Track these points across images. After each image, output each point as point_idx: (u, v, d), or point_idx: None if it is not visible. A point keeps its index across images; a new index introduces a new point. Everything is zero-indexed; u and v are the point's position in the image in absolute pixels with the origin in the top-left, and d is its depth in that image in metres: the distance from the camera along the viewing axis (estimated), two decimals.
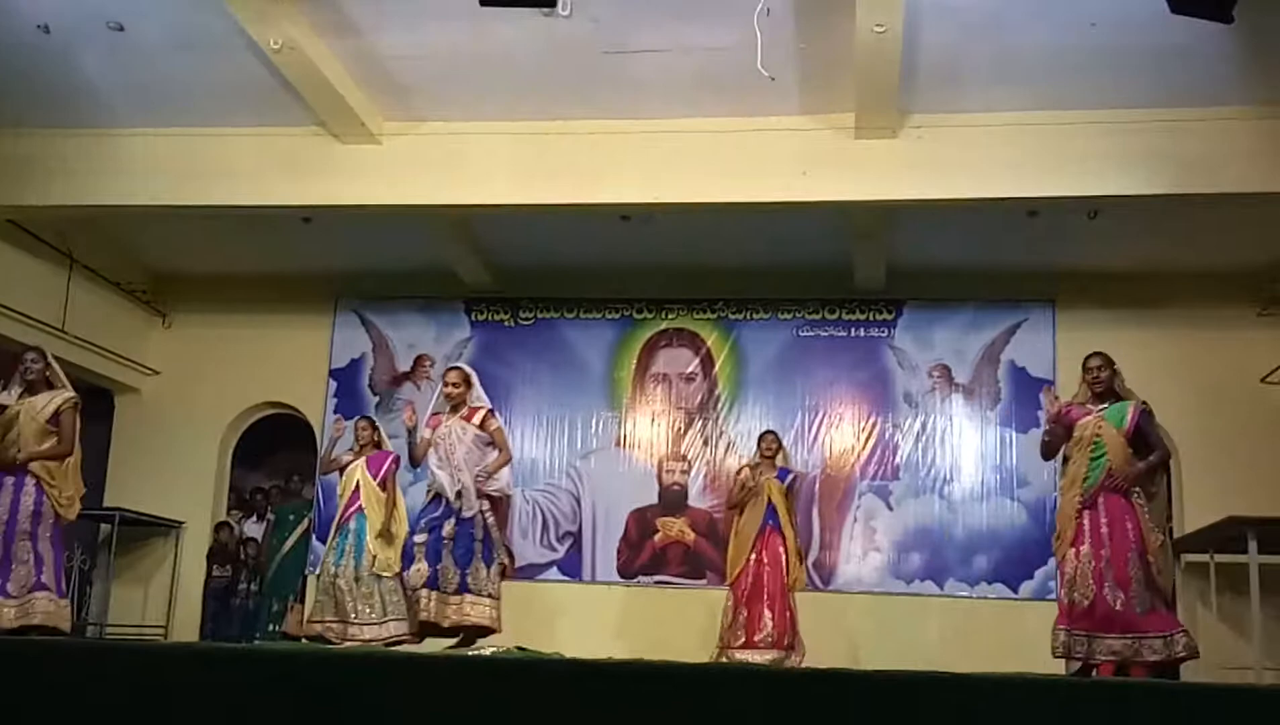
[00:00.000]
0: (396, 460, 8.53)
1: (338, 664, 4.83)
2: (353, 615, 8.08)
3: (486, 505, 7.20)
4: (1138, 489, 6.37)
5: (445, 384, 7.30)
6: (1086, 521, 6.33)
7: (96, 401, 11.67)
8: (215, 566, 11.25)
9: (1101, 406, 6.47)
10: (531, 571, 10.80)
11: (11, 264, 9.75)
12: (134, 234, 10.73)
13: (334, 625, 8.10)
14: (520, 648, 6.98)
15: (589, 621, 10.35)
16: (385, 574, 8.17)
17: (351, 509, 8.34)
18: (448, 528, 7.04)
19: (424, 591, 6.98)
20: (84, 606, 11.44)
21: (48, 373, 7.28)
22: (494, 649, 6.76)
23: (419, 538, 7.11)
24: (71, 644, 6.56)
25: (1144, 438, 6.44)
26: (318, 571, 8.43)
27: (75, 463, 7.24)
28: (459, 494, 7.06)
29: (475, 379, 7.44)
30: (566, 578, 10.85)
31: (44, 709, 4.50)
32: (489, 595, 7.10)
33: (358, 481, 8.39)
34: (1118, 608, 6.19)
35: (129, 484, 11.36)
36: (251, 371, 11.53)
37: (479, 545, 7.08)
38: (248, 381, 11.59)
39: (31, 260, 10.04)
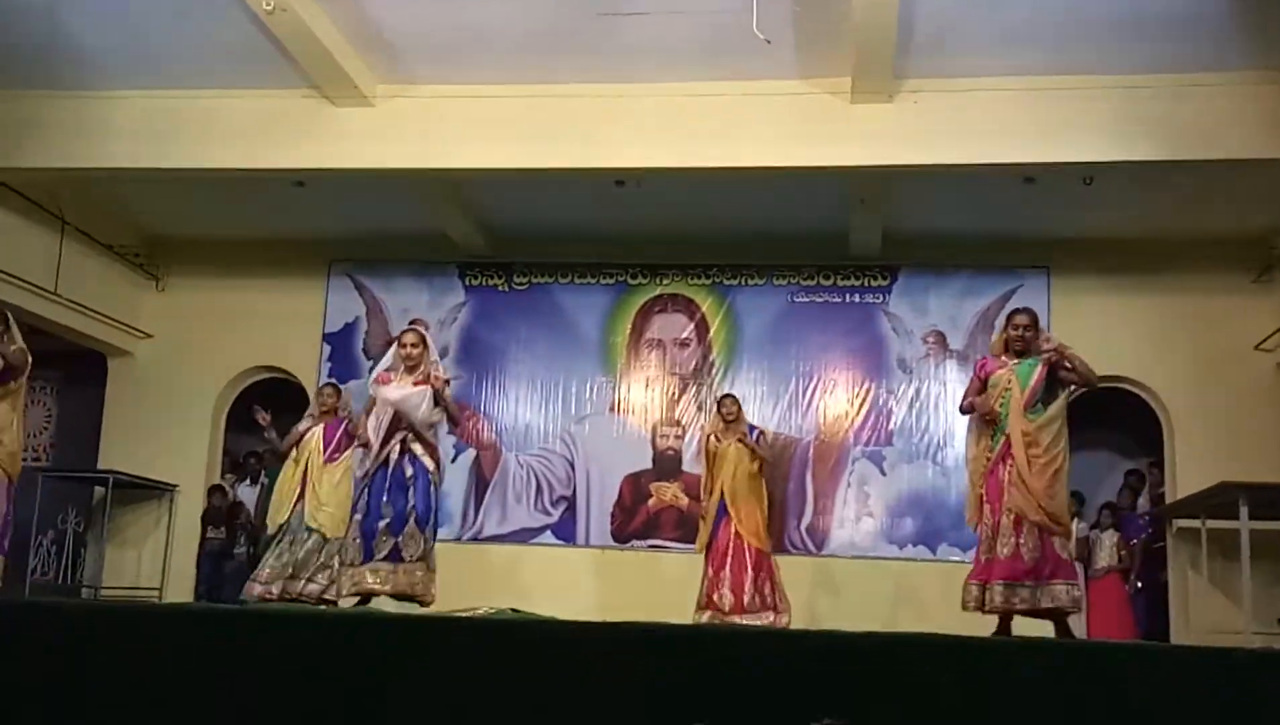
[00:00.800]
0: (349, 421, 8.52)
1: (331, 624, 4.85)
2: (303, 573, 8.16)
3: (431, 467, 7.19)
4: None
5: (403, 345, 7.17)
6: (1002, 475, 6.33)
7: (90, 364, 11.67)
8: (209, 529, 11.26)
9: (1014, 361, 6.47)
10: (525, 535, 10.84)
11: (3, 227, 9.70)
12: (127, 196, 10.67)
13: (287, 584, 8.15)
14: (515, 609, 6.99)
15: (583, 585, 10.39)
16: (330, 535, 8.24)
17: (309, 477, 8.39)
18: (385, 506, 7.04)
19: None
20: (78, 569, 11.46)
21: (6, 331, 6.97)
22: (488, 609, 6.78)
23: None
24: (67, 604, 6.58)
25: (1055, 376, 6.39)
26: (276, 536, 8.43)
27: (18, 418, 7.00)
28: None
29: (432, 344, 7.39)
30: (560, 542, 10.88)
31: (40, 669, 4.52)
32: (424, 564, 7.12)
33: (310, 450, 8.42)
34: (1026, 556, 6.23)
35: (123, 447, 11.37)
36: (245, 335, 11.51)
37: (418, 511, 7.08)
38: (241, 345, 11.57)
39: (23, 222, 9.99)
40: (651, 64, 8.31)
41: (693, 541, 10.53)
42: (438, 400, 7.12)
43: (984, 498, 6.42)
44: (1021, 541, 6.22)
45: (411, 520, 7.03)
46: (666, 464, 10.94)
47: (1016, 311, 6.64)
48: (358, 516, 7.14)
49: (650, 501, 10.89)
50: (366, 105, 8.76)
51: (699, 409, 10.96)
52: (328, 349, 11.47)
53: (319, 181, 9.54)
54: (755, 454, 8.74)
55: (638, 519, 10.88)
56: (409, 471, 7.09)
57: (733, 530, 8.57)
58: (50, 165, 9.11)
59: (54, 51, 8.43)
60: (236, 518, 11.35)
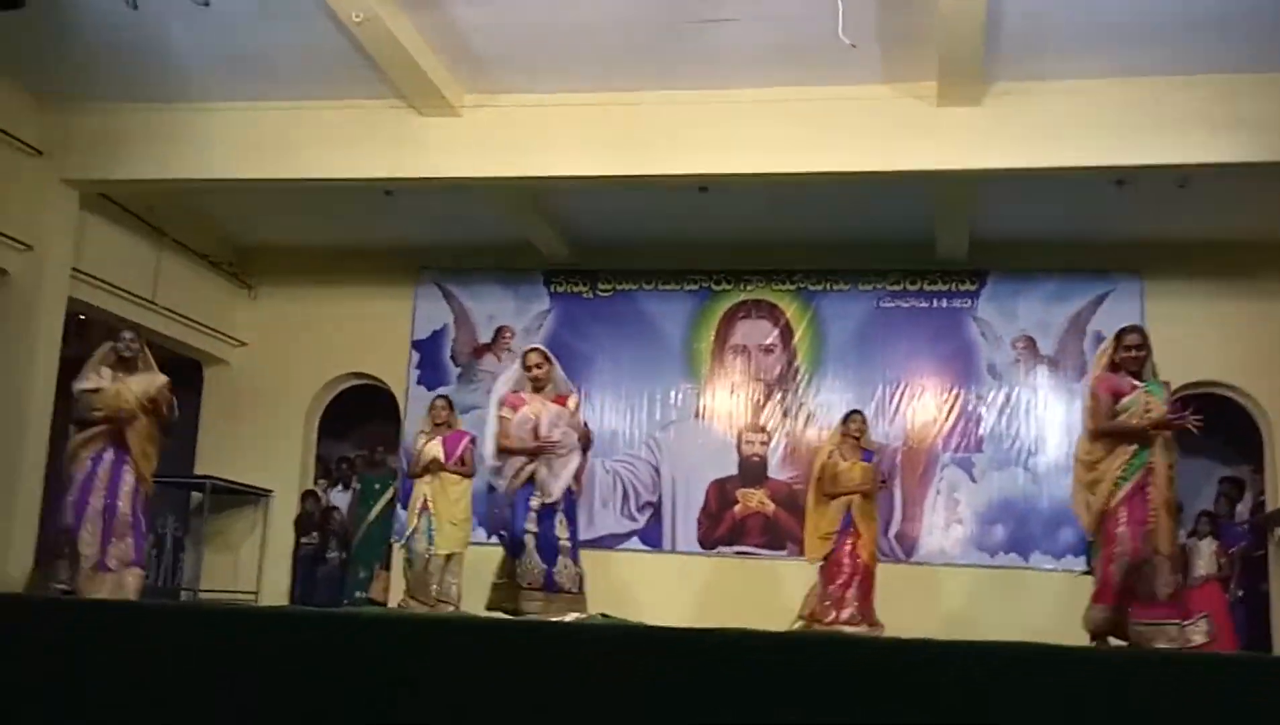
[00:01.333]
0: (473, 439, 8.46)
1: (418, 627, 4.90)
2: (435, 592, 8.25)
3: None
4: None
5: (529, 367, 7.05)
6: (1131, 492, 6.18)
7: (187, 372, 11.94)
8: (303, 534, 11.47)
9: (1141, 384, 6.29)
10: (612, 541, 10.86)
11: (103, 237, 9.98)
12: (219, 207, 10.92)
13: (424, 605, 8.26)
14: (604, 614, 7.01)
15: (670, 591, 10.39)
16: (458, 551, 8.34)
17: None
18: (529, 522, 6.86)
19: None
20: (177, 572, 11.73)
21: (142, 353, 7.47)
22: (577, 615, 6.81)
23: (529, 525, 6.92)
24: (166, 606, 6.73)
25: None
26: (402, 543, 8.53)
27: (157, 438, 7.41)
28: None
29: (555, 360, 7.25)
30: (647, 548, 10.90)
31: (142, 666, 4.62)
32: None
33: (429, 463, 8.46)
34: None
35: (218, 453, 11.61)
36: (336, 342, 11.70)
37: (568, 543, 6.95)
38: (332, 352, 11.77)
39: (122, 233, 10.28)
40: (736, 70, 8.30)
41: (780, 548, 10.57)
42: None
43: (1122, 519, 6.19)
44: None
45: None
46: (752, 470, 10.91)
47: (1126, 331, 6.48)
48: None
49: (736, 508, 10.87)
50: (453, 115, 8.85)
51: (784, 415, 10.92)
52: (416, 356, 11.61)
53: (407, 191, 9.68)
54: (879, 482, 8.76)
55: (723, 525, 10.86)
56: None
57: (851, 547, 8.46)
58: (146, 177, 9.32)
59: (150, 65, 8.65)
60: (329, 523, 11.53)
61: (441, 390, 10.66)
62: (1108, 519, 6.21)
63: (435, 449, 8.47)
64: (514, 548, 6.89)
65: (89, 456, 7.18)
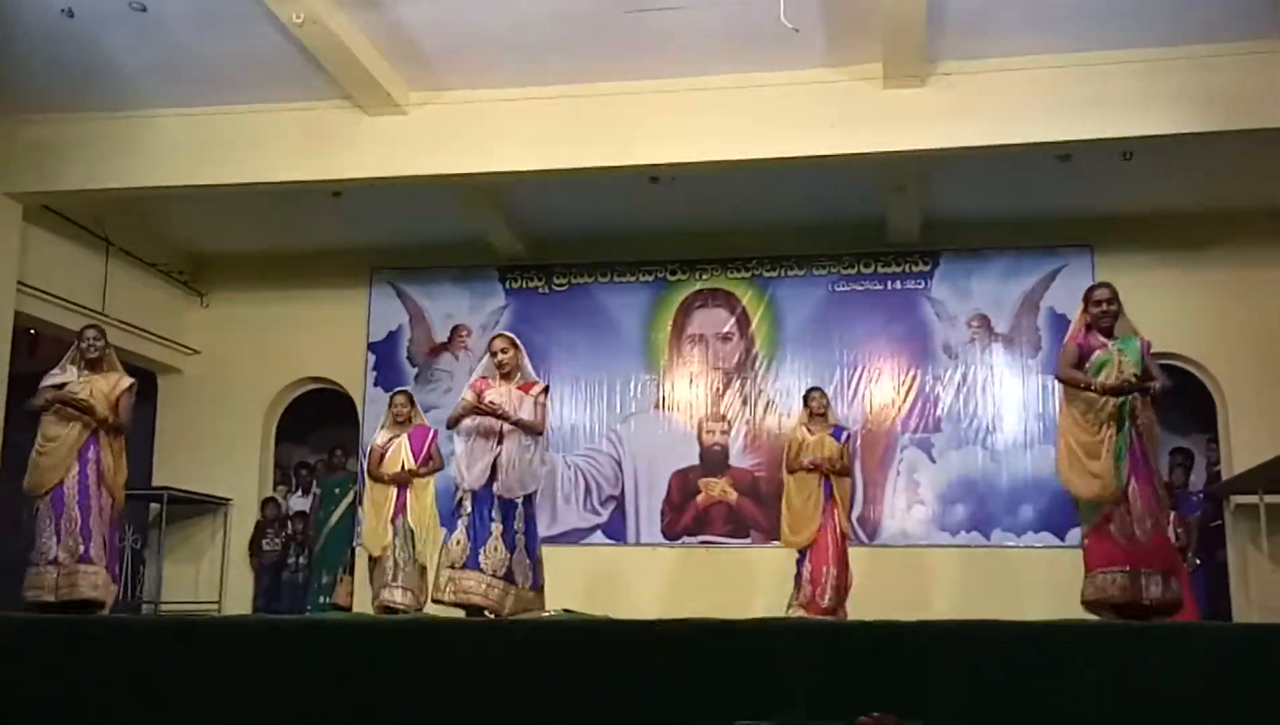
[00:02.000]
0: (436, 434, 8.36)
1: (383, 631, 4.88)
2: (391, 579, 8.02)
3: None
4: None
5: (494, 352, 7.08)
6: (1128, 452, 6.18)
7: (140, 383, 11.79)
8: (264, 541, 11.38)
9: (1113, 340, 6.29)
10: (576, 535, 10.85)
11: (49, 249, 9.84)
12: (167, 214, 10.80)
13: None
14: (567, 610, 6.99)
15: (635, 583, 10.39)
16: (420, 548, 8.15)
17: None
18: (495, 511, 6.82)
19: (467, 572, 6.77)
20: (138, 585, 11.61)
21: (106, 352, 7.36)
22: (540, 613, 6.79)
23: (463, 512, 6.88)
24: (128, 620, 6.66)
25: (1149, 372, 6.26)
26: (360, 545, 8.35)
27: (122, 447, 7.31)
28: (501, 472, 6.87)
29: (523, 348, 7.27)
30: (611, 541, 10.89)
31: (104, 680, 4.57)
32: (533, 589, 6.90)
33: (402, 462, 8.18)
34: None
35: (175, 463, 11.50)
36: (291, 347, 11.61)
37: (521, 536, 6.88)
38: (287, 357, 11.67)
39: (69, 244, 10.14)
40: (680, 59, 8.29)
41: (744, 536, 10.58)
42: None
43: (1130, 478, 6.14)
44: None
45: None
46: (714, 459, 10.92)
47: (1094, 287, 6.47)
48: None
49: (699, 497, 10.87)
50: (400, 113, 8.80)
51: (744, 403, 10.94)
52: (372, 358, 11.54)
53: (356, 191, 9.61)
54: (844, 455, 8.70)
55: (687, 515, 10.86)
56: None
57: (835, 523, 8.48)
58: (91, 186, 9.21)
59: (90, 74, 8.54)
60: (288, 529, 11.44)
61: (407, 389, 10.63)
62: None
63: (404, 453, 8.17)
64: (480, 537, 6.80)
65: (68, 471, 7.05)
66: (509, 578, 6.74)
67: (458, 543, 6.82)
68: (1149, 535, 6.09)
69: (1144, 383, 6.18)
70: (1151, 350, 6.38)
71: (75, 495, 7.00)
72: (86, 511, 7.03)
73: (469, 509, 6.84)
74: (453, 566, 6.76)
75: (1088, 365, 6.27)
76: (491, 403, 6.87)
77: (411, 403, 8.49)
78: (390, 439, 8.27)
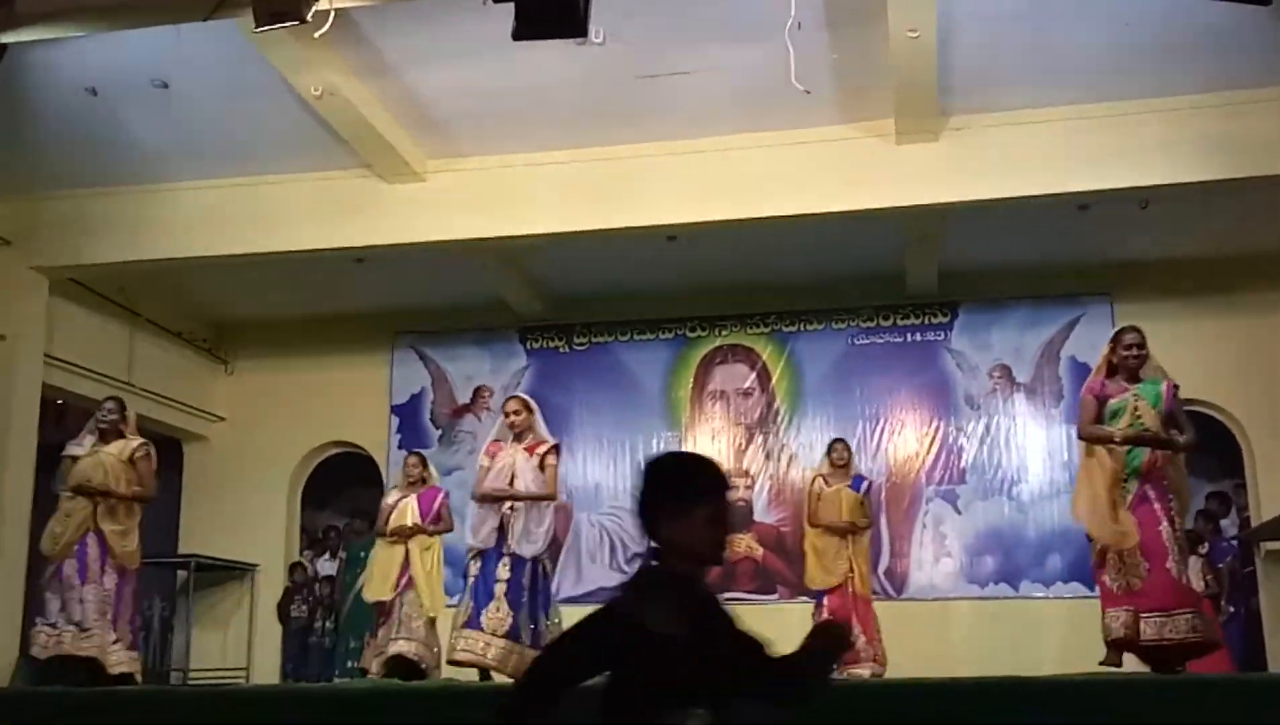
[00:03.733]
0: (447, 495, 8.27)
1: (418, 699, 4.89)
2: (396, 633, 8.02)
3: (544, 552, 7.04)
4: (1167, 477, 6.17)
5: (507, 414, 7.17)
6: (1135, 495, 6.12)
7: (166, 451, 11.88)
8: (292, 606, 11.37)
9: (1134, 385, 6.24)
10: (602, 595, 10.74)
11: (76, 322, 9.98)
12: (192, 284, 10.92)
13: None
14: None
15: None
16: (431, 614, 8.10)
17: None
18: (501, 568, 6.88)
19: (466, 632, 6.82)
20: (166, 653, 11.62)
21: (122, 422, 7.41)
22: None
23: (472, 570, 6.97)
24: (157, 691, 6.68)
25: (1175, 420, 6.19)
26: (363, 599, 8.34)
27: (133, 513, 7.33)
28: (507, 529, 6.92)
29: (537, 409, 7.32)
30: None
31: None
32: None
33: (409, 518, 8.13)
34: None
35: (202, 530, 11.55)
36: (315, 412, 11.68)
37: (527, 593, 6.90)
38: (312, 422, 11.75)
39: (95, 317, 10.29)
40: (695, 121, 8.39)
41: (771, 592, 10.52)
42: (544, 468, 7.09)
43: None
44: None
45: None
46: (738, 515, 10.89)
47: (1123, 331, 6.38)
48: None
49: (725, 554, 10.80)
50: (419, 180, 8.92)
51: (766, 457, 10.93)
52: (396, 421, 11.60)
53: (377, 257, 9.71)
54: (864, 508, 8.58)
55: (713, 572, 10.78)
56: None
57: (854, 577, 8.39)
58: (116, 259, 9.36)
59: (114, 150, 8.69)
60: (314, 594, 11.42)
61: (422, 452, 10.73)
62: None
63: (410, 512, 8.06)
64: (482, 597, 6.85)
65: (75, 543, 7.12)
66: (512, 635, 6.76)
67: (463, 603, 6.91)
68: (1148, 577, 6.00)
69: (1166, 436, 6.13)
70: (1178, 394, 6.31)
71: (76, 567, 7.06)
72: (87, 579, 7.05)
73: (475, 569, 6.93)
74: (458, 626, 6.85)
75: (1105, 410, 6.23)
76: (497, 489, 6.97)
77: (424, 464, 8.41)
78: (400, 498, 8.20)
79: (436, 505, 8.14)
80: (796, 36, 6.88)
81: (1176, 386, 6.26)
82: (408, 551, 8.01)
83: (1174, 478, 6.17)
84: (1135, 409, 6.13)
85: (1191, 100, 8.00)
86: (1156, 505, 6.08)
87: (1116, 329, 6.64)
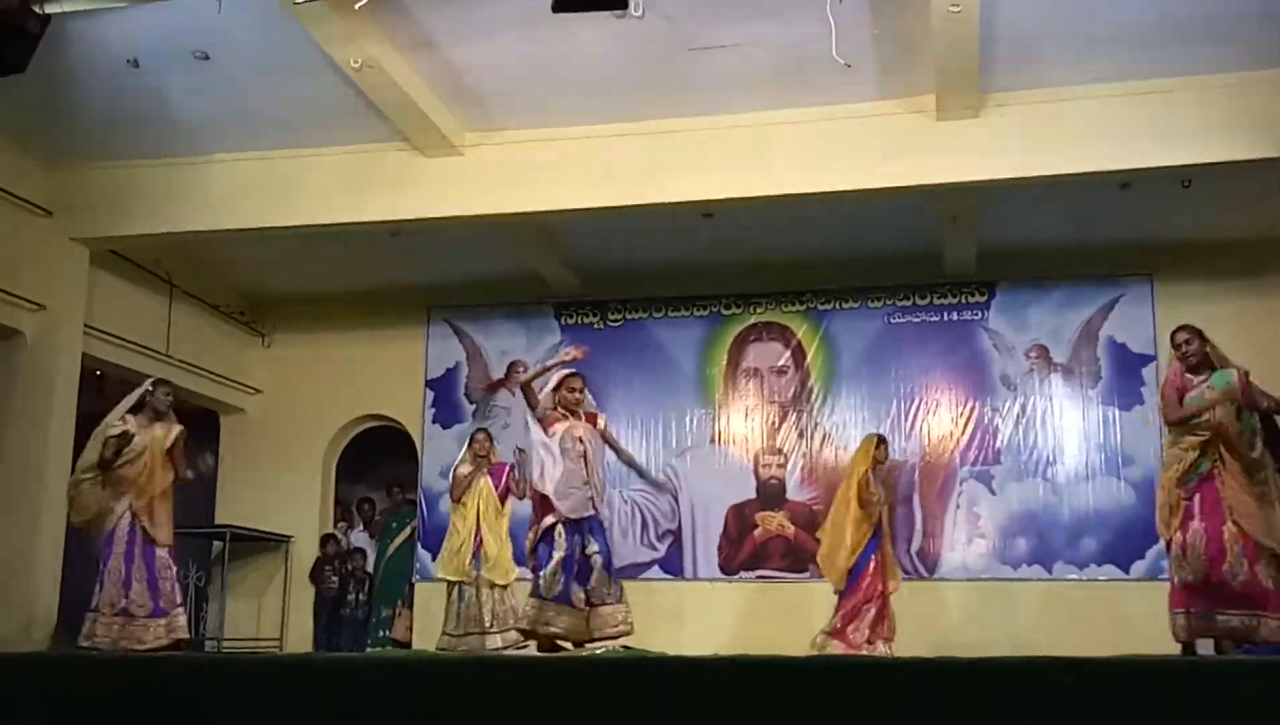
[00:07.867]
0: (513, 468, 8.80)
1: (448, 669, 4.90)
2: (489, 625, 8.33)
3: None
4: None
5: (571, 390, 7.19)
6: (1198, 495, 6.13)
7: (203, 423, 11.99)
8: (322, 578, 11.46)
9: (1202, 377, 6.24)
10: (634, 571, 10.83)
11: (116, 293, 10.06)
12: (229, 257, 10.98)
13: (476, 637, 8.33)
14: (626, 647, 6.99)
15: (693, 619, 10.35)
16: (500, 583, 8.45)
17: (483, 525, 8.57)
18: (592, 545, 6.97)
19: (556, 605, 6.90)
20: (201, 623, 11.74)
21: (171, 407, 7.69)
22: (602, 648, 6.79)
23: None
24: (197, 658, 6.75)
25: (1253, 403, 6.19)
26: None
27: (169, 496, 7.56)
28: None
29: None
30: (669, 576, 10.88)
31: (170, 720, 4.61)
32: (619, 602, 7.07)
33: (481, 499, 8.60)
34: (1238, 582, 5.98)
35: (238, 501, 11.66)
36: (350, 385, 11.75)
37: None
38: (347, 395, 11.82)
39: (134, 288, 10.37)
40: (734, 96, 8.34)
41: (802, 570, 10.49)
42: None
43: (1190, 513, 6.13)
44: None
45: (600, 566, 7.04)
46: (770, 493, 10.89)
47: (1175, 331, 6.47)
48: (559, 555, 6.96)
49: (756, 531, 10.83)
50: (456, 154, 8.91)
51: (800, 436, 10.90)
52: (430, 395, 11.64)
53: (413, 231, 9.72)
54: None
55: (744, 550, 10.83)
56: None
57: (880, 565, 8.47)
58: (155, 231, 9.40)
59: (155, 121, 8.72)
60: (348, 565, 11.52)
61: (458, 427, 11.04)
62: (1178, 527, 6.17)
63: (487, 486, 8.61)
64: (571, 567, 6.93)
65: (113, 516, 7.31)
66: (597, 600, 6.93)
67: (553, 573, 6.89)
68: (1205, 576, 6.00)
69: (1172, 414, 6.22)
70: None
71: (121, 544, 7.28)
72: (130, 560, 7.28)
73: (563, 543, 6.92)
74: (548, 597, 6.87)
75: (1183, 403, 6.25)
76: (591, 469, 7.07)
77: (490, 440, 8.90)
78: (472, 472, 8.63)
79: (505, 479, 8.73)
80: (838, 10, 6.83)
81: (1246, 371, 6.22)
82: (479, 526, 8.50)
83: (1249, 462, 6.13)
84: (1205, 396, 6.16)
85: (1236, 77, 7.88)
86: (1221, 505, 6.08)
87: (1173, 330, 6.60)
